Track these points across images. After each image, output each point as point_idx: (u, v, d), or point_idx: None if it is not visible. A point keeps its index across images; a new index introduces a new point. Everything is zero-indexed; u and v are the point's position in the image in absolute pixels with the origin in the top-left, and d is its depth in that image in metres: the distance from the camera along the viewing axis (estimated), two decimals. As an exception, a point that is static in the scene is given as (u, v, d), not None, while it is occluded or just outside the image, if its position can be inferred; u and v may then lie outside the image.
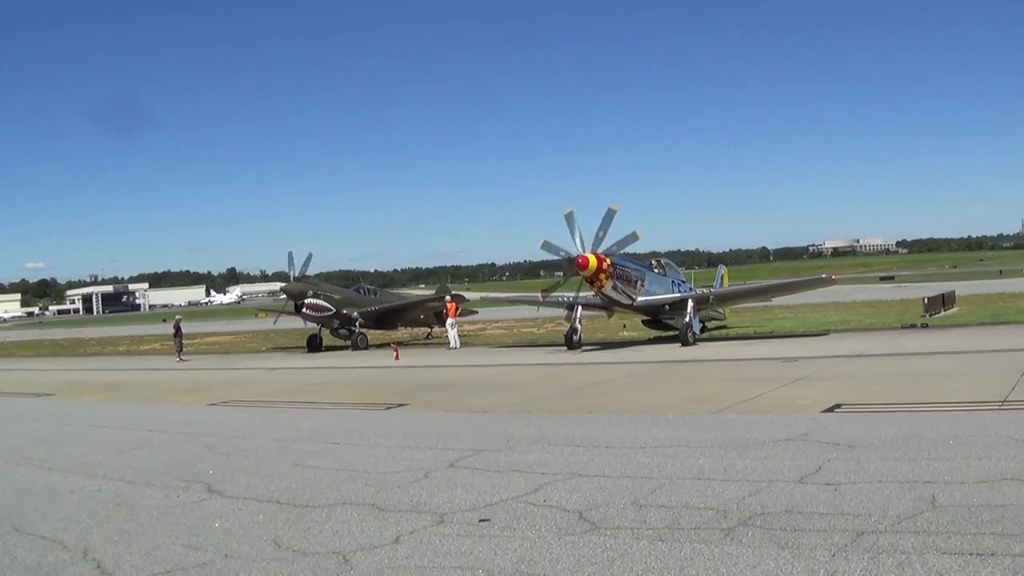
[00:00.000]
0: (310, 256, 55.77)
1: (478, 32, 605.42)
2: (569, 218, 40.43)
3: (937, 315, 47.39)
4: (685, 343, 39.85)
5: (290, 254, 55.26)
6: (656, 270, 44.72)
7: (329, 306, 53.41)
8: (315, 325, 55.43)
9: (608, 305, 43.72)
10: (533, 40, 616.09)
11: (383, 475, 14.52)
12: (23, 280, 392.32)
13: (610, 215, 39.90)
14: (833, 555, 8.98)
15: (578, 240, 40.05)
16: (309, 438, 19.44)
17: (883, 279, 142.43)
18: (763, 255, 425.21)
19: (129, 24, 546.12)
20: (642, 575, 8.89)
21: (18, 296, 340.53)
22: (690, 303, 42.01)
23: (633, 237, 40.06)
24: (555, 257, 43.44)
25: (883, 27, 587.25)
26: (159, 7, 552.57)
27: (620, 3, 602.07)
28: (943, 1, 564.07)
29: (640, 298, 42.63)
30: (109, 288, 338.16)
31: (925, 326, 41.77)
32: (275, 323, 59.53)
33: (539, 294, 46.63)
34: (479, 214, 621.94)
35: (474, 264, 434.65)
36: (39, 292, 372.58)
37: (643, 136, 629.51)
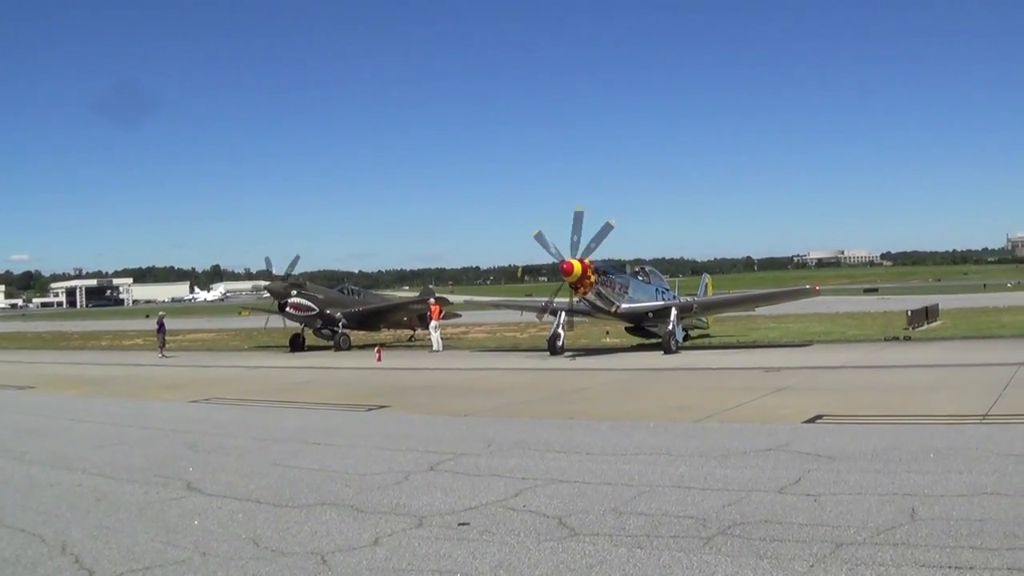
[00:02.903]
0: (296, 258, 55.96)
1: (464, 36, 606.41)
2: (577, 217, 40.13)
3: (920, 328, 47.48)
4: (668, 351, 39.80)
5: (296, 257, 55.80)
6: (640, 277, 44.70)
7: (312, 306, 53.33)
8: (298, 324, 55.39)
9: (592, 311, 43.69)
10: (519, 46, 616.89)
11: (363, 476, 14.51)
12: (7, 272, 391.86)
13: (607, 229, 39.87)
14: (812, 566, 8.99)
15: (575, 242, 39.87)
16: (290, 438, 19.43)
17: (867, 291, 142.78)
18: (747, 265, 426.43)
19: (117, 19, 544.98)
20: (620, 582, 8.90)
21: (1, 288, 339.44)
22: (674, 311, 41.94)
23: (608, 227, 40.03)
24: (542, 260, 43.49)
25: (871, 40, 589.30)
26: (152, 2, 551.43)
27: (606, 10, 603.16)
28: (931, 14, 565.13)
29: (624, 305, 42.59)
30: (93, 282, 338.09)
31: (908, 339, 41.86)
32: (266, 325, 59.49)
33: (543, 303, 46.69)
34: (464, 217, 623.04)
35: (458, 267, 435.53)
36: (23, 284, 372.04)
37: (629, 143, 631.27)
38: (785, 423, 18.41)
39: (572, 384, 29.12)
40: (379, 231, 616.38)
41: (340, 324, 53.80)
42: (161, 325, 54.47)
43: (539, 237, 40.97)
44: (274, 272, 54.88)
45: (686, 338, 45.97)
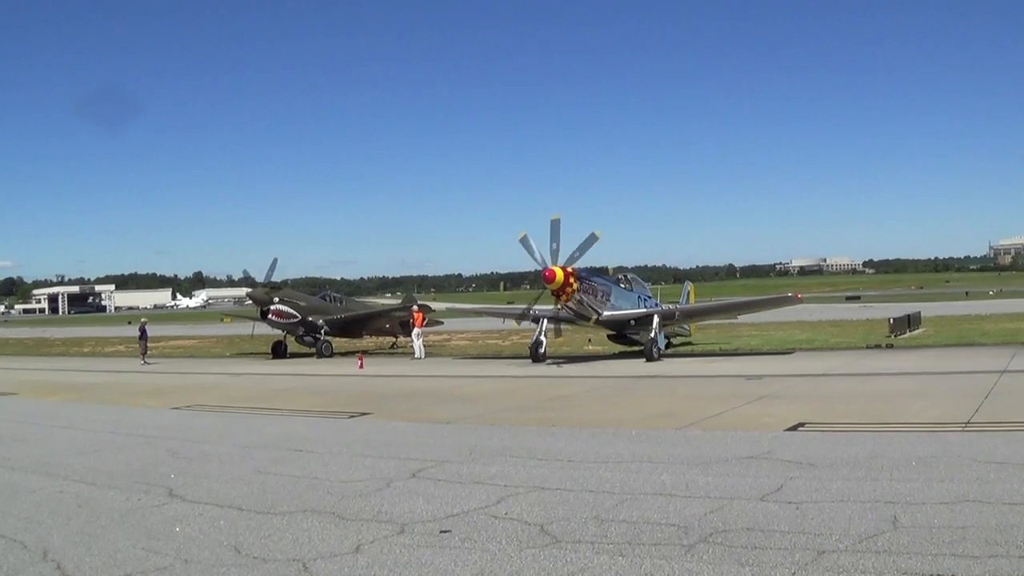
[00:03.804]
0: (275, 261, 55.82)
1: (450, 44, 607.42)
2: (554, 225, 40.20)
3: (902, 336, 47.67)
4: (650, 359, 39.86)
5: (274, 260, 55.68)
6: (622, 285, 44.66)
7: (295, 313, 53.20)
8: (280, 331, 55.25)
9: (574, 319, 43.68)
10: (505, 54, 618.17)
11: (345, 484, 14.49)
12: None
13: (591, 240, 39.87)
14: (794, 573, 9.00)
15: (555, 250, 39.87)
16: (272, 445, 19.40)
17: (849, 299, 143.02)
18: (730, 272, 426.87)
19: (103, 24, 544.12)
20: (602, 589, 8.90)
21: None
22: (656, 319, 41.97)
23: (592, 239, 40.02)
24: (525, 268, 43.56)
25: (852, 49, 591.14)
26: (138, 6, 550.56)
27: (591, 20, 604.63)
28: (917, 23, 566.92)
29: (606, 313, 42.58)
30: (75, 289, 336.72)
31: (890, 346, 41.99)
32: (252, 334, 59.33)
33: (523, 308, 46.61)
34: (446, 225, 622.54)
35: (441, 274, 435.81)
36: (5, 291, 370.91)
37: (612, 151, 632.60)
38: (767, 431, 18.42)
39: (554, 391, 29.15)
40: (361, 238, 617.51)
41: (322, 331, 53.71)
42: (143, 332, 54.22)
43: (524, 241, 40.98)
44: (256, 279, 54.71)
45: (668, 346, 45.98)
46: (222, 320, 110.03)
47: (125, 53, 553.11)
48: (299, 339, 55.20)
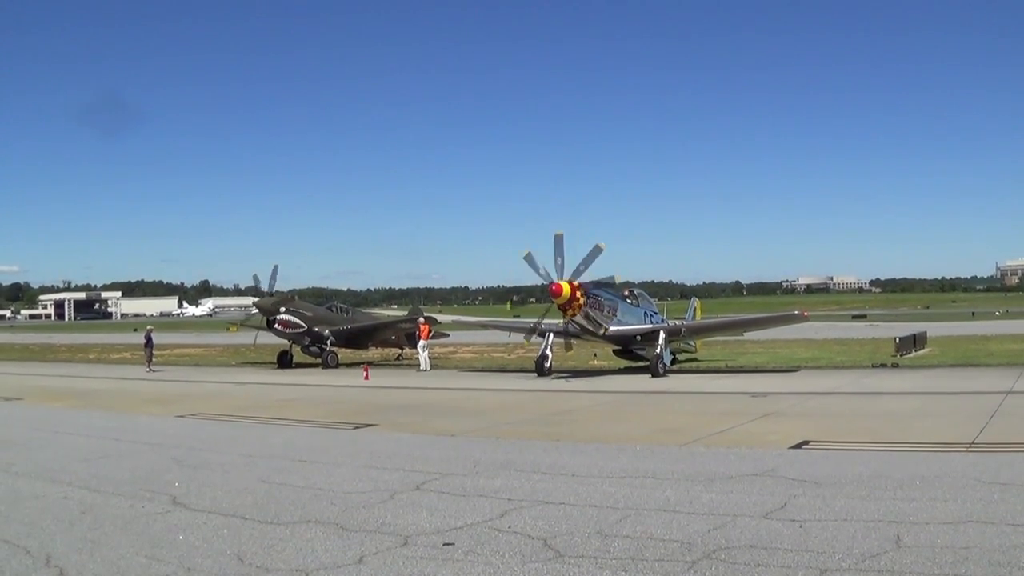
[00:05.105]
0: (276, 268, 55.70)
1: (456, 56, 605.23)
2: (558, 240, 40.16)
3: (908, 355, 47.49)
4: (655, 374, 39.83)
5: (275, 268, 55.55)
6: (629, 300, 44.64)
7: (301, 323, 53.20)
8: (286, 341, 55.23)
9: (580, 333, 43.65)
10: (509, 67, 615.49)
11: (349, 495, 14.49)
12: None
13: (596, 252, 39.75)
14: (796, 591, 9.00)
15: (559, 264, 39.86)
16: (276, 454, 19.40)
17: (855, 317, 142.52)
18: (736, 289, 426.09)
19: (111, 29, 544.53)
20: (605, 604, 8.89)
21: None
22: (662, 335, 41.98)
23: (597, 250, 39.88)
24: (531, 282, 43.40)
25: (858, 65, 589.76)
26: (145, 13, 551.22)
27: (593, 34, 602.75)
28: (923, 40, 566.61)
29: (612, 328, 42.56)
30: (82, 295, 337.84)
31: (896, 366, 41.88)
32: (255, 342, 59.36)
33: (531, 324, 46.50)
34: (454, 237, 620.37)
35: (448, 287, 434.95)
36: (11, 296, 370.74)
37: (619, 166, 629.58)
38: (772, 448, 18.42)
39: (559, 406, 29.14)
40: (368, 249, 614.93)
41: (328, 342, 53.65)
42: (149, 339, 54.25)
43: (528, 258, 40.97)
44: (263, 288, 54.72)
45: (674, 362, 45.97)
46: (228, 329, 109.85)
47: (133, 60, 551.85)
48: (305, 349, 55.23)
